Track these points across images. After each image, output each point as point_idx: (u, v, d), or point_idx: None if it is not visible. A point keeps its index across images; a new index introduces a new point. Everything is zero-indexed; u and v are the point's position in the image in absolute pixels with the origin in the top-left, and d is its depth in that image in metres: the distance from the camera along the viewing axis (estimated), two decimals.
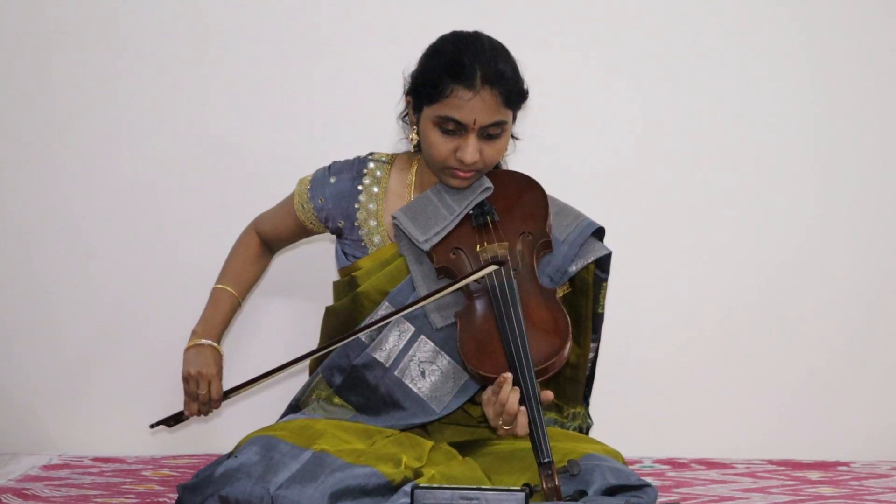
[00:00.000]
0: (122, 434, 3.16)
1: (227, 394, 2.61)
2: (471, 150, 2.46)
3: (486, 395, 2.34)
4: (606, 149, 3.24)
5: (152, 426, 2.65)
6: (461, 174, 2.51)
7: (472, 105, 2.43)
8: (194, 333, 2.66)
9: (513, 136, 2.60)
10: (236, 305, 2.74)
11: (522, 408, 2.28)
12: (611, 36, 3.23)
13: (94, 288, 3.18)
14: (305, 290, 3.15)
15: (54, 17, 3.15)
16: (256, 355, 3.15)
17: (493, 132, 2.47)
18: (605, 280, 2.60)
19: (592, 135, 3.23)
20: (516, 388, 2.29)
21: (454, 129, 2.46)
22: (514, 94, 2.48)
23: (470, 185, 2.55)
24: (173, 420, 2.63)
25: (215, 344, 2.65)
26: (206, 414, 2.63)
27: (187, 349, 2.64)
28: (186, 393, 2.61)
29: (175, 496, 2.41)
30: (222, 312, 2.70)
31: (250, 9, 3.17)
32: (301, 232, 2.73)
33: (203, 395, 2.59)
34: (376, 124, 2.91)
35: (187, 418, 2.63)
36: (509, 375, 2.30)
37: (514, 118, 2.54)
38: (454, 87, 2.44)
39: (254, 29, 3.17)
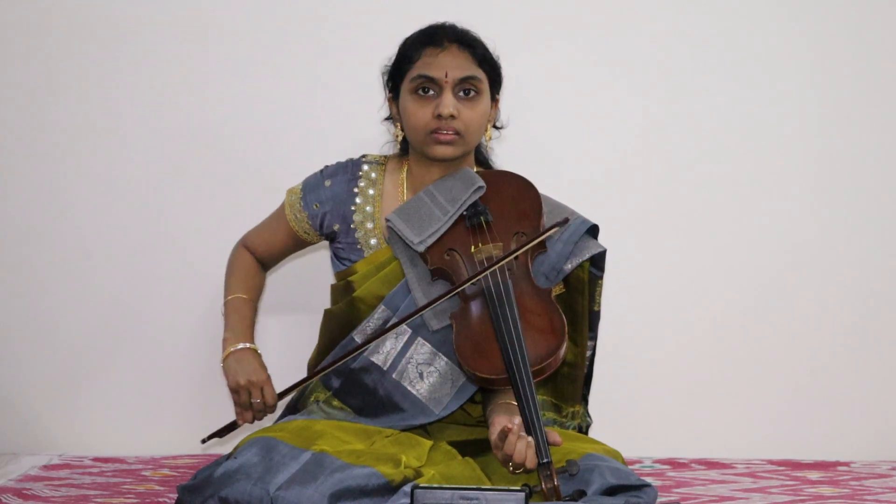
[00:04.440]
0: (122, 434, 3.16)
1: (281, 396, 2.53)
2: (446, 101, 2.49)
3: (494, 440, 2.31)
4: (604, 148, 3.24)
5: (204, 441, 2.55)
6: (443, 136, 2.51)
7: (441, 60, 2.51)
8: (226, 342, 2.58)
9: (496, 127, 2.63)
10: (255, 309, 2.68)
11: (529, 439, 2.25)
12: (610, 34, 3.23)
13: (94, 287, 3.18)
14: (305, 290, 3.14)
15: (54, 16, 3.15)
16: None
17: (468, 90, 2.51)
18: (601, 277, 2.59)
19: (590, 133, 3.23)
20: (522, 435, 2.25)
21: (429, 88, 2.51)
22: (486, 57, 2.55)
23: (454, 155, 2.53)
24: (226, 430, 2.54)
25: (251, 345, 2.58)
26: (260, 419, 2.55)
27: (225, 360, 2.56)
28: (238, 404, 2.52)
29: (175, 496, 2.41)
30: (245, 316, 2.63)
31: (251, 10, 3.17)
32: (294, 244, 2.70)
33: (258, 402, 2.51)
34: (371, 124, 2.91)
35: (240, 426, 2.54)
36: (514, 426, 2.25)
37: (494, 95, 2.57)
38: (423, 49, 2.53)
39: (253, 29, 3.16)
